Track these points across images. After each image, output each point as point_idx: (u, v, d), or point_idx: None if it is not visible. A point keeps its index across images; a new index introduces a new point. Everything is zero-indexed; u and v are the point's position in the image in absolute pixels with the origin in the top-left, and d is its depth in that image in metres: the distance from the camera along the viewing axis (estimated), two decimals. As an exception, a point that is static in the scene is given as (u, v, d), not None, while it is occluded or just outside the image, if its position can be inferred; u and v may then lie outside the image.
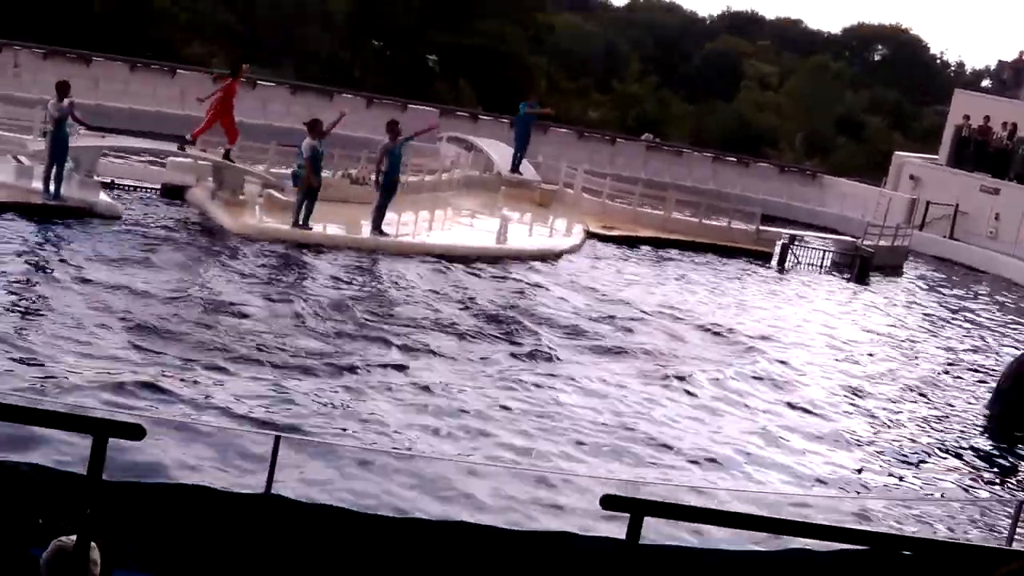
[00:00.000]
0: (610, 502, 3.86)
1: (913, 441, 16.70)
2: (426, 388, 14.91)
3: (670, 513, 4.10)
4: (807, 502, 13.10)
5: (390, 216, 23.27)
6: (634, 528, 3.84)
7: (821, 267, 30.24)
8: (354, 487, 11.44)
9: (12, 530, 6.53)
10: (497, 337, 17.93)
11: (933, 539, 8.81)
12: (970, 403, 19.18)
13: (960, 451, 16.59)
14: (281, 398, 13.64)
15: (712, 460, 14.27)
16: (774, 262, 29.68)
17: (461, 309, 19.17)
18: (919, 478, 15.22)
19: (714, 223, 30.87)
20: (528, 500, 11.69)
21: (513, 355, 17.20)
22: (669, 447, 14.42)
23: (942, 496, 14.72)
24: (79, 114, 21.57)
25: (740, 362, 18.99)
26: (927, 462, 15.89)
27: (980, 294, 31.40)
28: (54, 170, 20.90)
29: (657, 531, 7.20)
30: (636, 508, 3.86)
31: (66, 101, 20.89)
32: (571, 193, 30.88)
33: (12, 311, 15.19)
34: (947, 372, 21.27)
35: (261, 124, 30.22)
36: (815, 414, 17.06)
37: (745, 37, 59.22)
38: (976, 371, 21.54)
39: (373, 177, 23.50)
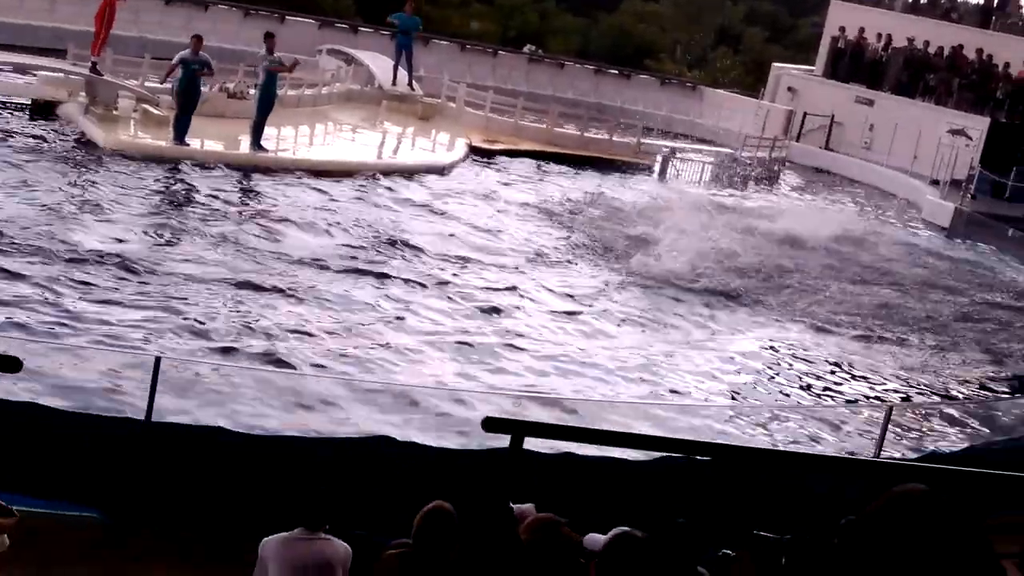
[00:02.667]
0: (491, 424, 3.92)
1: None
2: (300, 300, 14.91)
3: (549, 433, 4.20)
4: (669, 411, 13.39)
5: (269, 131, 22.92)
6: (515, 448, 3.92)
7: (701, 179, 30.63)
8: (234, 407, 11.40)
9: None
10: (381, 257, 17.93)
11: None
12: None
13: (826, 357, 17.06)
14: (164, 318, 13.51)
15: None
16: (655, 175, 29.98)
17: (340, 228, 19.07)
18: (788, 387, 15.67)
19: (596, 136, 31.00)
20: (412, 416, 11.78)
21: (392, 275, 17.24)
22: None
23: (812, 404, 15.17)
24: None
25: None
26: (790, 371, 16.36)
27: (849, 202, 32.09)
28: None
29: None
30: (516, 429, 3.93)
31: None
32: (453, 107, 30.71)
33: None
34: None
35: (134, 36, 29.38)
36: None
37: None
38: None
39: (251, 91, 23.12)
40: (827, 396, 15.46)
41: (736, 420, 13.55)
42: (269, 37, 22.97)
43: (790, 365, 16.45)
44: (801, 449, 12.35)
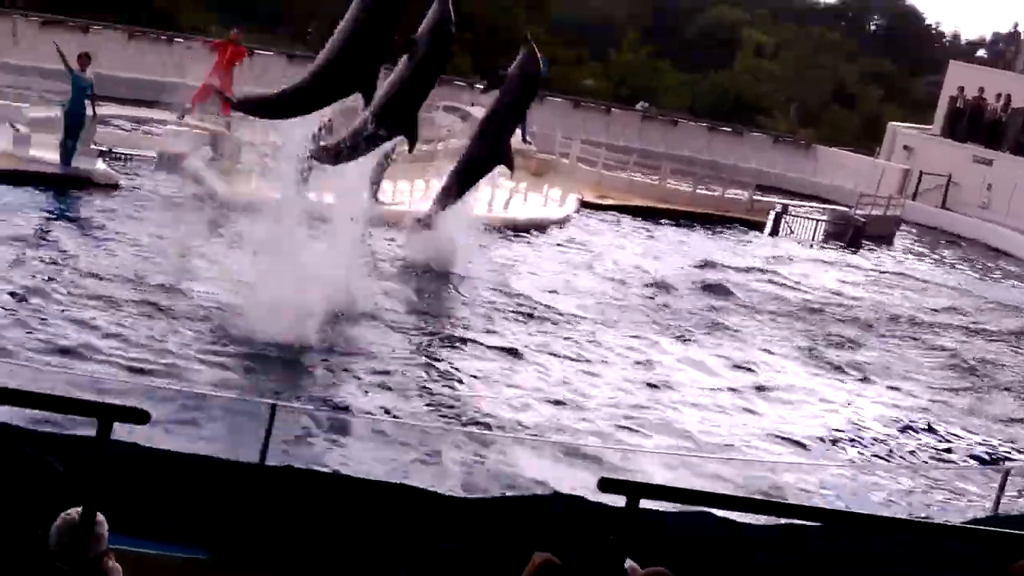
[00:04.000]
0: (607, 485, 3.93)
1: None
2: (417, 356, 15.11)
3: (666, 495, 4.21)
4: (789, 470, 13.27)
5: (385, 185, 23.26)
6: (630, 510, 3.91)
7: (814, 236, 30.40)
8: (349, 454, 11.59)
9: (23, 509, 6.64)
10: (494, 310, 18.11)
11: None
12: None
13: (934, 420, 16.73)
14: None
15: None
16: (767, 231, 29.83)
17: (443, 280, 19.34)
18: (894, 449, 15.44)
19: (708, 193, 30.93)
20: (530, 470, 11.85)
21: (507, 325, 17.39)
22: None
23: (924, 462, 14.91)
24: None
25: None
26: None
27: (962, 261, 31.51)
28: (67, 141, 20.88)
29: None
30: (632, 491, 3.93)
31: (90, 72, 20.96)
32: (566, 163, 30.89)
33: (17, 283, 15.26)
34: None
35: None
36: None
37: (741, 6, 58.97)
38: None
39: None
40: (940, 456, 15.20)
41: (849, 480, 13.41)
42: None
43: (899, 424, 16.19)
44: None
